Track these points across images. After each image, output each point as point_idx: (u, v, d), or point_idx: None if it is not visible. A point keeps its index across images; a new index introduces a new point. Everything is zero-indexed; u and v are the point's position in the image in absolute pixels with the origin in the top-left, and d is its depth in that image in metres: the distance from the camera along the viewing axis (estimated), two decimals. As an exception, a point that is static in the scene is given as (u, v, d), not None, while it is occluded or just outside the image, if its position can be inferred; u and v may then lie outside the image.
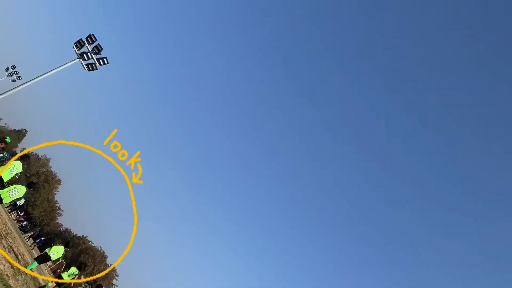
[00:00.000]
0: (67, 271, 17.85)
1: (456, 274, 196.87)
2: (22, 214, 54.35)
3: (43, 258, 17.51)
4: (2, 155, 16.84)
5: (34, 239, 54.89)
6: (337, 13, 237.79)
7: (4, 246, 13.13)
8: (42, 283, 19.68)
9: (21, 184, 17.05)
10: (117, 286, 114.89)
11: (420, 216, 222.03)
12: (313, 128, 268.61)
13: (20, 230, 48.68)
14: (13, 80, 61.70)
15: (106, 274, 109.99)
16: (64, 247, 18.10)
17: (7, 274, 9.38)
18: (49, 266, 53.20)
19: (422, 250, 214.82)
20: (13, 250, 15.81)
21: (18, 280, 10.91)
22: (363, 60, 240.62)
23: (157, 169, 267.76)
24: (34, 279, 17.71)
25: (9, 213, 44.40)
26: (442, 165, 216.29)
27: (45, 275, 33.66)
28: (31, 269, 17.09)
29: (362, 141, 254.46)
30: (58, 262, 57.10)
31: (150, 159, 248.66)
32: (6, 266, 10.01)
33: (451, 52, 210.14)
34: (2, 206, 22.53)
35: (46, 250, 17.76)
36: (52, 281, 18.45)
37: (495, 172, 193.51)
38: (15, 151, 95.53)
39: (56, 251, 17.47)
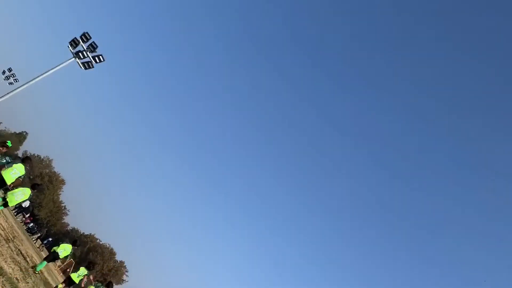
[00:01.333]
0: (76, 272, 17.90)
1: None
2: (28, 216, 54.60)
3: (52, 257, 17.56)
4: (4, 160, 16.81)
5: (42, 240, 55.20)
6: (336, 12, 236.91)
7: (12, 249, 13.14)
8: (53, 284, 19.74)
9: (25, 186, 17.07)
10: (127, 281, 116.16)
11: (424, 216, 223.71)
12: (316, 128, 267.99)
13: (28, 232, 48.91)
14: (11, 83, 61.50)
15: (116, 270, 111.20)
16: (72, 246, 18.13)
17: (16, 278, 9.38)
18: (59, 266, 53.69)
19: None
20: (21, 252, 15.83)
21: (28, 282, 10.92)
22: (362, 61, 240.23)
23: (168, 165, 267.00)
24: (44, 280, 17.77)
25: (15, 215, 44.57)
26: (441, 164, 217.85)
27: (54, 275, 33.85)
28: (40, 270, 17.13)
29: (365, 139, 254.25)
30: (68, 262, 57.63)
31: (160, 155, 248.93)
32: (15, 270, 10.01)
33: (448, 51, 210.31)
34: (7, 209, 22.67)
35: (54, 248, 17.80)
36: (62, 283, 18.50)
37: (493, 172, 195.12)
38: (17, 154, 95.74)
39: (64, 249, 17.51)
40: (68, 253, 17.82)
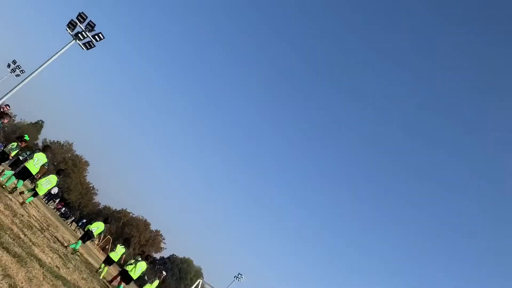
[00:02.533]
0: (114, 251, 18.43)
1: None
2: (58, 201, 55.90)
3: (87, 236, 17.94)
4: (25, 155, 17.08)
5: (77, 223, 56.75)
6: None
7: (48, 238, 13.41)
8: (95, 264, 20.36)
9: (50, 174, 17.37)
10: (165, 248, 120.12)
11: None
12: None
13: (61, 217, 50.21)
14: (17, 75, 61.76)
15: (153, 239, 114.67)
16: (104, 224, 18.46)
17: (56, 265, 9.57)
18: (97, 245, 55.38)
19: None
20: (57, 239, 16.19)
21: (69, 268, 11.17)
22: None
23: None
24: (85, 261, 18.29)
25: (46, 203, 45.64)
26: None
27: (95, 255, 34.95)
28: (79, 251, 17.61)
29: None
30: (105, 239, 59.14)
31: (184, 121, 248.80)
32: (54, 258, 10.20)
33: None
34: (38, 198, 23.21)
35: (88, 226, 18.19)
36: (103, 263, 19.07)
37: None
38: (37, 143, 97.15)
39: (97, 226, 17.84)
40: (102, 230, 18.16)
